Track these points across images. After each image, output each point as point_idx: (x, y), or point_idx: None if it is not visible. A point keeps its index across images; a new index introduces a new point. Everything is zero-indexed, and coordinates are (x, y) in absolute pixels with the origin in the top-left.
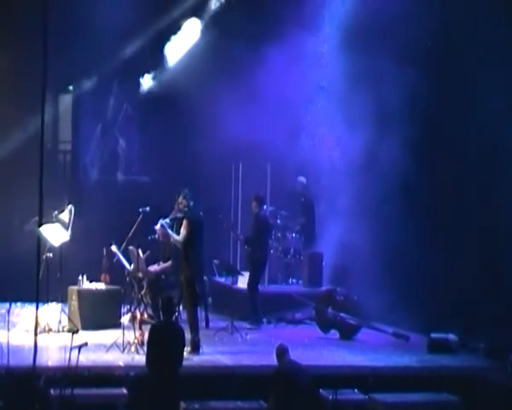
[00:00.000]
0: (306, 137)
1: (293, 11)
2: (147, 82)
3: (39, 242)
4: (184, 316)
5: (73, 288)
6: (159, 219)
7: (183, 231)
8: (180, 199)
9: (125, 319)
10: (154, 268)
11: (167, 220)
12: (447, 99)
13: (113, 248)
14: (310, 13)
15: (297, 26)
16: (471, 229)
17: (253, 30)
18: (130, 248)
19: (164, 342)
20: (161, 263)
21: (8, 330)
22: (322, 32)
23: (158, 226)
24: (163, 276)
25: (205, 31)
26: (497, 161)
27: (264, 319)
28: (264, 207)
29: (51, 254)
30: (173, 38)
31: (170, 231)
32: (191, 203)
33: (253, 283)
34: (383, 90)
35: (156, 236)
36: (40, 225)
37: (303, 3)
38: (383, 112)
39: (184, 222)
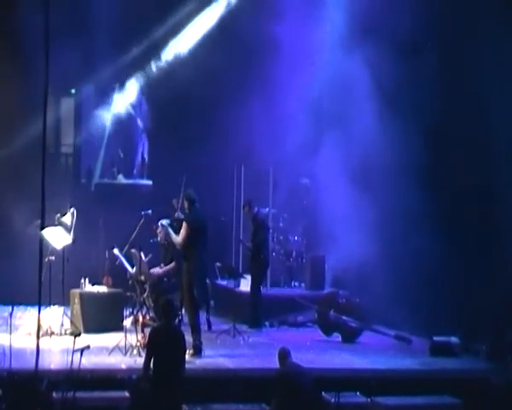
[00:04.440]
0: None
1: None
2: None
3: (41, 245)
4: (186, 319)
5: (76, 291)
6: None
7: (182, 232)
8: (183, 200)
9: (128, 322)
10: (156, 271)
11: (168, 221)
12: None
13: (116, 251)
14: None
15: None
16: (473, 232)
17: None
18: (133, 251)
19: (163, 345)
20: (162, 266)
21: (11, 333)
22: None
23: (159, 227)
24: (165, 279)
25: (206, 35)
26: (498, 163)
27: (267, 322)
28: (267, 209)
29: (53, 257)
30: (173, 39)
31: (170, 231)
32: (195, 205)
33: (255, 285)
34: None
35: (158, 238)
36: (42, 228)
37: None
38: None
39: (184, 224)
